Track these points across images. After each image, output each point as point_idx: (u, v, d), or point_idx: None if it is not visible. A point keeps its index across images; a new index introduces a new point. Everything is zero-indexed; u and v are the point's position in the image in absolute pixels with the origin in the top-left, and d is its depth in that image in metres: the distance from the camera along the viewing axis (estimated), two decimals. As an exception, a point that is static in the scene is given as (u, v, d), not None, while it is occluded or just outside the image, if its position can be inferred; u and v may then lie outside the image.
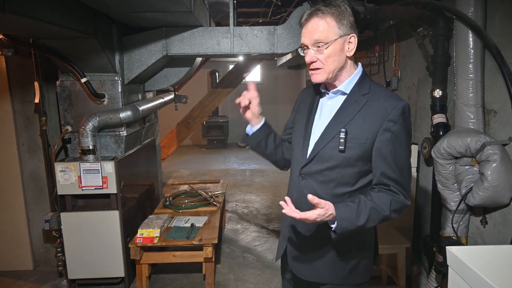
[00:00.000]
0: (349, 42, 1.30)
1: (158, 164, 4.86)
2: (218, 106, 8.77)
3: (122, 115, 2.65)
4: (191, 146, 9.63)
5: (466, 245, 2.36)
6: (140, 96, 3.23)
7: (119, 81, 2.74)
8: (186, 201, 3.24)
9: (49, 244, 3.13)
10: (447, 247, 1.42)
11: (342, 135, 1.29)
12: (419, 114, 3.03)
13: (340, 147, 1.30)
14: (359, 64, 1.39)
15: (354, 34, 1.29)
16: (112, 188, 2.65)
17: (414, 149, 2.79)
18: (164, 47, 2.78)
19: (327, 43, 1.26)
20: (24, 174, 3.08)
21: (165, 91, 4.12)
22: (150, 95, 3.67)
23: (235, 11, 2.84)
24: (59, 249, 2.82)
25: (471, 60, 2.19)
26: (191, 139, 9.85)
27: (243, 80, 5.71)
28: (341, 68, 1.33)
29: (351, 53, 1.31)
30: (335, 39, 1.26)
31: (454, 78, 2.31)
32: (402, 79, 3.35)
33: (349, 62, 1.34)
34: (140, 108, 2.79)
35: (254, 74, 9.78)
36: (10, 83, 2.92)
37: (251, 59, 5.56)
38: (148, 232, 2.57)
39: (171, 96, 3.94)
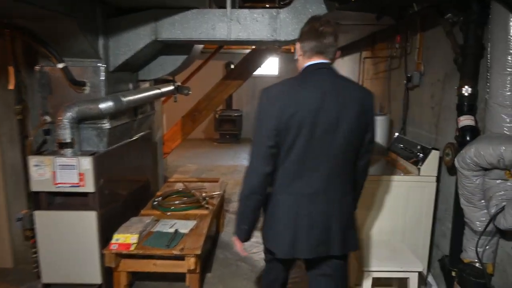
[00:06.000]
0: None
1: (159, 159, 4.62)
2: (227, 98, 8.48)
3: (102, 105, 2.38)
4: (203, 140, 9.39)
5: (493, 273, 1.97)
6: (131, 85, 2.95)
7: (102, 68, 2.47)
8: (177, 202, 2.96)
9: (29, 242, 2.93)
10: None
11: None
12: (443, 114, 2.62)
13: None
14: (305, 65, 1.55)
15: (298, 42, 1.58)
16: (89, 186, 2.39)
17: (435, 155, 2.40)
18: (153, 31, 2.49)
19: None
20: (5, 167, 2.87)
21: (165, 82, 3.85)
22: (146, 85, 3.40)
23: (233, -9, 2.52)
24: (34, 250, 2.60)
25: (511, 51, 1.78)
26: (204, 132, 9.61)
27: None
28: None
29: (296, 57, 1.60)
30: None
31: (488, 73, 1.91)
32: (426, 73, 2.93)
33: (298, 64, 1.60)
34: (124, 99, 2.52)
35: (271, 67, 9.41)
36: (-9, 68, 2.71)
37: (265, 50, 5.22)
38: (125, 238, 2.31)
39: (171, 87, 3.65)
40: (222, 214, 3.71)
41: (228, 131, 8.89)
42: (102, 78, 2.48)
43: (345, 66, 6.03)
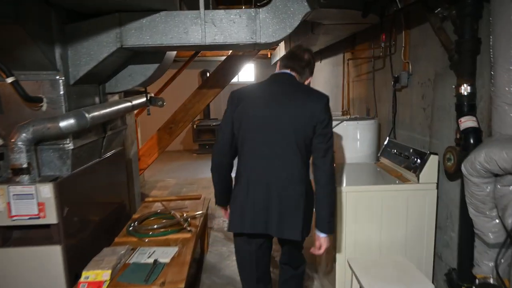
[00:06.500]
0: None
1: (135, 177, 4.30)
2: (205, 108, 8.21)
3: (63, 124, 2.09)
4: (182, 151, 9.07)
5: (509, 288, 1.79)
6: (97, 99, 2.66)
7: (61, 80, 2.18)
8: (155, 226, 2.67)
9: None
10: None
11: None
12: (437, 116, 2.46)
13: None
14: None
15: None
16: (51, 217, 2.09)
17: (434, 160, 2.23)
18: (118, 38, 2.22)
19: None
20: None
21: (138, 93, 3.56)
22: (115, 98, 3.11)
23: (207, -9, 2.29)
24: (-10, 294, 2.24)
25: (516, 44, 1.63)
26: (182, 143, 9.29)
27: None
28: None
29: None
30: None
31: (491, 70, 1.75)
32: (414, 73, 2.78)
33: None
34: (89, 115, 2.22)
35: (247, 73, 9.22)
36: None
37: (242, 56, 5.01)
38: (95, 275, 2.00)
39: (143, 99, 3.37)
40: (206, 234, 3.43)
41: (207, 141, 8.61)
42: (61, 92, 2.18)
43: (324, 70, 5.89)
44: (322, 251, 1.78)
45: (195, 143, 8.75)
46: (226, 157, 1.81)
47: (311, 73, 1.88)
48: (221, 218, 4.35)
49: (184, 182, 6.09)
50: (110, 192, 2.98)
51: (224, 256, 3.36)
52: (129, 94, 3.45)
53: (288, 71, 1.82)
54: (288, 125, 1.69)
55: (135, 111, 4.81)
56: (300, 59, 1.82)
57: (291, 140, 1.69)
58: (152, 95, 3.84)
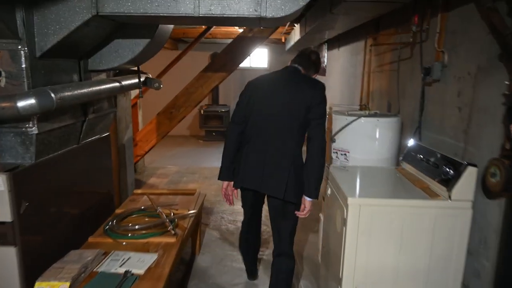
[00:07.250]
0: None
1: (128, 165, 3.98)
2: (214, 93, 7.82)
3: (21, 103, 1.73)
4: (188, 137, 8.75)
5: None
6: (75, 77, 2.30)
7: (23, 52, 1.81)
8: (136, 226, 2.32)
9: None
10: None
11: None
12: (477, 118, 2.03)
13: None
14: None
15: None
16: (4, 213, 1.76)
17: (472, 172, 1.80)
18: (94, 3, 1.83)
19: None
20: None
21: (134, 73, 3.19)
22: (101, 77, 2.74)
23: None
24: None
25: None
26: (189, 129, 8.96)
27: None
28: None
29: None
30: None
31: None
32: (450, 65, 2.33)
33: None
34: (56, 95, 1.86)
35: (261, 59, 8.76)
36: None
37: (252, 38, 4.58)
38: (51, 287, 1.68)
39: (134, 80, 2.99)
40: (199, 233, 3.09)
41: (214, 128, 8.26)
42: (23, 65, 1.82)
43: (341, 59, 5.42)
44: (306, 212, 2.06)
45: (201, 129, 8.40)
46: (238, 127, 2.15)
47: (317, 71, 2.26)
48: (219, 214, 4.01)
49: (185, 170, 5.76)
50: (91, 183, 2.64)
51: (217, 260, 3.01)
52: (123, 73, 3.09)
53: (296, 65, 2.19)
54: (287, 106, 2.04)
55: (134, 94, 4.47)
56: (308, 58, 2.21)
57: (289, 118, 2.03)
58: (149, 75, 3.47)
